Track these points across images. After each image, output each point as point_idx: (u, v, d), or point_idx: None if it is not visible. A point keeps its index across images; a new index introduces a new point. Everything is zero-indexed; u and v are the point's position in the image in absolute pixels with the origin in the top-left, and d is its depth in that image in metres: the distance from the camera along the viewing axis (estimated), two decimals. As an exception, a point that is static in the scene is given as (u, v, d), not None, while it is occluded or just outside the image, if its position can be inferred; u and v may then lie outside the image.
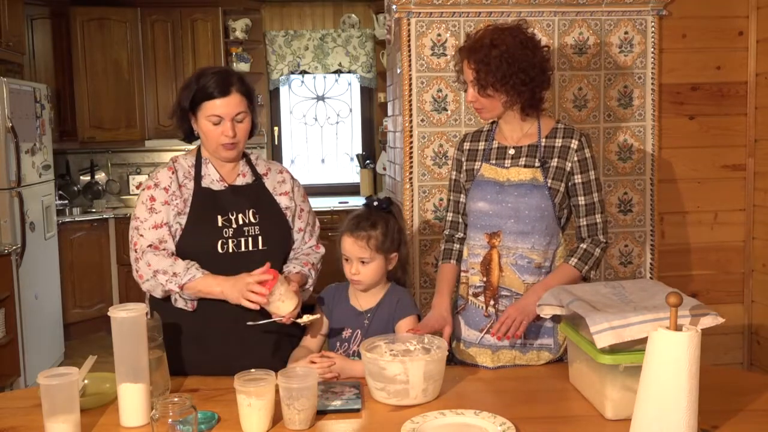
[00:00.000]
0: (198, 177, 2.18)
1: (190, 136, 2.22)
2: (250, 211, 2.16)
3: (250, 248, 2.14)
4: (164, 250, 2.10)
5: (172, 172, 2.17)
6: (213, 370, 2.06)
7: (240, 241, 2.13)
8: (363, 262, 2.14)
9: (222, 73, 2.13)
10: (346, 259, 2.17)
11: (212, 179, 2.19)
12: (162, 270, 2.06)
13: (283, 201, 2.25)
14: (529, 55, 2.12)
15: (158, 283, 2.06)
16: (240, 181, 2.22)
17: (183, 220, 2.13)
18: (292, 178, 2.32)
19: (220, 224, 2.13)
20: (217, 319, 2.11)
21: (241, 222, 2.14)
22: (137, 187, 6.49)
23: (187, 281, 2.04)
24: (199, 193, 2.16)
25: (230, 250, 2.12)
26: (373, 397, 1.87)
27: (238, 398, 1.70)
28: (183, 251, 2.11)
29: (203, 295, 2.08)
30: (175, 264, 2.06)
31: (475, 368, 2.21)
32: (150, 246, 2.09)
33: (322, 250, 2.33)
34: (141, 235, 2.11)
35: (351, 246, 2.15)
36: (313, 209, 2.39)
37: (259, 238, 2.15)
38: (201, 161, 2.20)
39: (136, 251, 2.11)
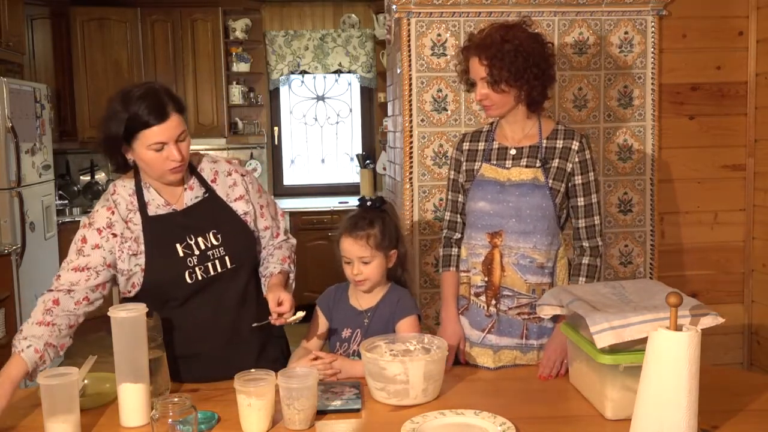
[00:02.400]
0: (142, 206, 2.02)
1: (123, 167, 2.04)
2: (211, 233, 2.03)
3: (219, 270, 2.03)
4: (57, 305, 1.91)
5: (111, 212, 2.00)
6: (198, 380, 2.04)
7: (207, 266, 2.02)
8: (364, 262, 2.14)
9: (152, 95, 1.93)
10: (347, 261, 2.17)
11: (158, 204, 2.03)
12: (23, 327, 1.88)
13: (239, 207, 2.11)
14: (539, 48, 2.14)
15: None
16: (189, 198, 2.06)
17: (141, 260, 1.98)
18: (242, 175, 2.16)
19: (181, 254, 1.99)
20: (202, 330, 2.06)
21: (203, 247, 2.02)
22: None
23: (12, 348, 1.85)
24: (148, 226, 2.00)
25: (199, 278, 2.01)
26: (373, 397, 1.87)
27: (238, 398, 1.70)
28: (151, 290, 2.00)
29: None
30: (29, 327, 1.87)
31: (475, 368, 2.21)
32: (50, 290, 1.93)
33: (293, 240, 2.27)
34: (59, 276, 1.96)
35: (351, 246, 2.14)
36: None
37: (226, 258, 2.04)
38: (141, 186, 2.03)
39: (51, 286, 1.95)
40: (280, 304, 1.98)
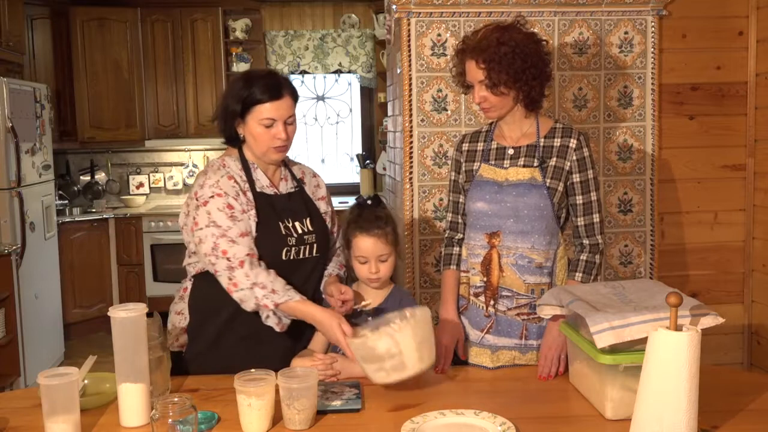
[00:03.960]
0: (251, 182, 2.16)
1: (232, 140, 2.19)
2: (307, 220, 2.21)
3: (307, 255, 2.18)
4: (259, 262, 2.07)
5: (233, 181, 2.12)
6: (267, 365, 1.97)
7: (301, 249, 2.17)
8: (382, 260, 2.14)
9: (272, 77, 2.15)
10: (364, 261, 2.16)
11: (263, 185, 2.18)
12: (261, 284, 2.02)
13: (321, 206, 2.29)
14: (536, 48, 2.14)
15: (254, 295, 2.02)
16: (284, 187, 2.23)
17: (253, 228, 2.12)
18: (324, 184, 2.36)
19: (283, 232, 2.14)
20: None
21: (300, 231, 2.17)
22: (137, 187, 6.50)
23: (284, 302, 2.02)
24: (258, 200, 2.14)
25: (292, 257, 2.15)
26: (373, 383, 1.87)
27: (238, 398, 1.70)
28: None
29: (296, 317, 2.06)
30: (275, 280, 2.04)
31: (474, 368, 2.21)
32: (248, 255, 2.04)
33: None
34: (233, 242, 2.04)
35: (373, 246, 2.13)
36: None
37: (315, 246, 2.20)
38: (249, 166, 2.18)
39: (229, 260, 2.03)
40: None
